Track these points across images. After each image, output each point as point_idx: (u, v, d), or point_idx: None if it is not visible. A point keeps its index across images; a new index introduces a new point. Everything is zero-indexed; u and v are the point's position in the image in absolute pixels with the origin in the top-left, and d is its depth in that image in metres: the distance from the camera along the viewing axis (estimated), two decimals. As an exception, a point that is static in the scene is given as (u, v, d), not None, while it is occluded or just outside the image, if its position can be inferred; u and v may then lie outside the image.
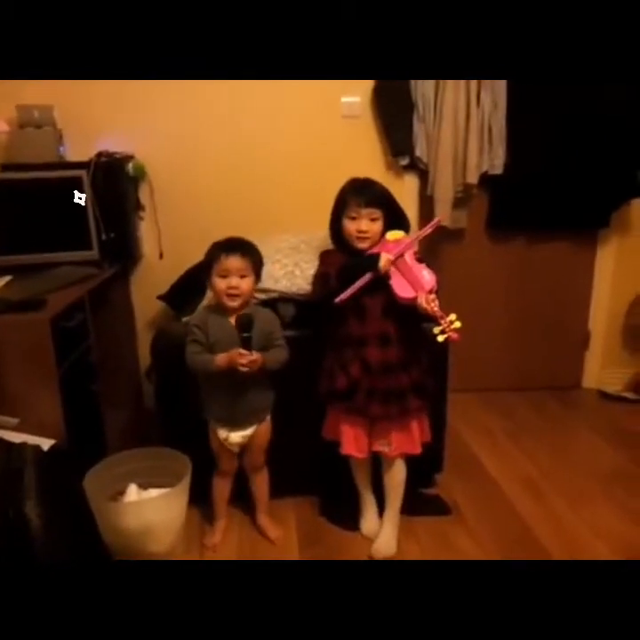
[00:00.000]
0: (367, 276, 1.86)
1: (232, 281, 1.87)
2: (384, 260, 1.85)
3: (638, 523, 2.20)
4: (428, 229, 1.95)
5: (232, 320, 1.90)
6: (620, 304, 3.20)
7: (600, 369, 3.33)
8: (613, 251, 3.15)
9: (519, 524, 2.20)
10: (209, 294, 2.11)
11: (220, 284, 1.88)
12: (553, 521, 2.22)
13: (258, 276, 1.95)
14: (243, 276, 1.89)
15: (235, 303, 1.90)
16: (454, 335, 1.69)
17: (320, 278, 2.03)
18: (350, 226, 1.94)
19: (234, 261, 1.87)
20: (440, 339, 1.70)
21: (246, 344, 1.82)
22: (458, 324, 1.69)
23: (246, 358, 1.81)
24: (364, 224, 1.92)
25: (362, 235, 1.93)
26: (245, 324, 1.83)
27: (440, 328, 1.70)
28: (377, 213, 1.93)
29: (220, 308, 1.93)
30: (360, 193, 1.93)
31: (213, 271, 1.89)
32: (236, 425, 1.97)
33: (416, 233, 1.97)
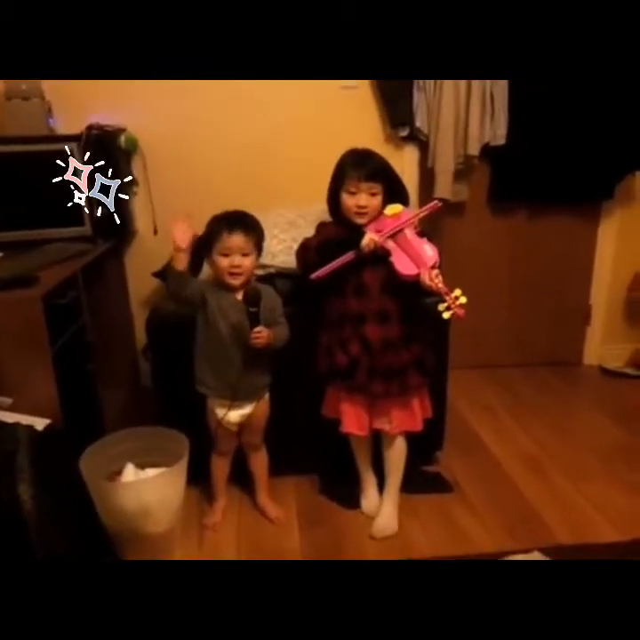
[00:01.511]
0: (349, 255, 1.82)
1: (234, 260, 1.82)
2: (367, 238, 1.80)
3: (639, 497, 2.19)
4: (424, 211, 1.88)
5: (237, 295, 1.86)
6: (622, 278, 3.17)
7: (601, 344, 3.31)
8: (616, 223, 3.10)
9: (521, 502, 2.19)
10: (206, 269, 2.06)
11: (222, 262, 1.83)
12: (555, 498, 2.21)
13: (259, 252, 1.90)
14: (245, 255, 1.83)
15: (237, 282, 1.85)
16: (460, 311, 1.64)
17: (302, 249, 1.97)
18: (349, 201, 1.88)
19: (236, 240, 1.81)
20: (446, 315, 1.64)
21: (254, 318, 1.78)
22: (463, 300, 1.64)
23: (261, 335, 1.79)
24: (364, 199, 1.86)
25: (361, 210, 1.87)
26: (253, 298, 1.79)
27: (445, 305, 1.65)
28: (377, 188, 1.87)
29: (220, 284, 1.88)
30: (360, 166, 1.86)
31: (214, 249, 1.83)
32: (234, 400, 1.92)
33: (413, 212, 1.90)
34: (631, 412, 2.82)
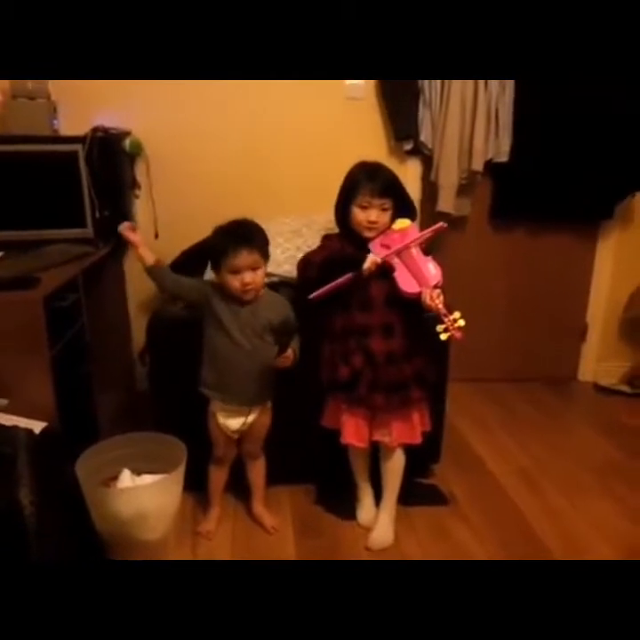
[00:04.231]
0: (347, 276, 1.81)
1: (246, 277, 1.79)
2: (369, 261, 1.80)
3: (632, 516, 2.20)
4: (428, 233, 1.85)
5: (246, 307, 1.85)
6: (619, 297, 3.18)
7: (596, 362, 3.32)
8: (614, 243, 3.13)
9: (516, 516, 2.19)
10: (211, 275, 2.04)
11: (234, 281, 1.80)
12: (549, 513, 2.21)
13: (267, 259, 1.87)
14: (255, 269, 1.80)
15: (250, 296, 1.84)
16: (458, 334, 1.62)
17: (303, 264, 1.96)
18: (360, 215, 1.88)
19: (244, 258, 1.77)
20: (443, 337, 1.63)
21: (285, 345, 1.78)
22: (462, 323, 1.62)
23: (288, 358, 1.80)
24: (375, 214, 1.86)
25: (372, 225, 1.87)
26: (291, 328, 1.81)
27: (443, 326, 1.63)
28: (388, 203, 1.87)
29: (229, 294, 1.86)
30: (372, 180, 1.86)
31: (222, 266, 1.80)
32: (235, 403, 1.92)
33: (419, 229, 1.89)
34: (624, 429, 2.84)
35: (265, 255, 1.84)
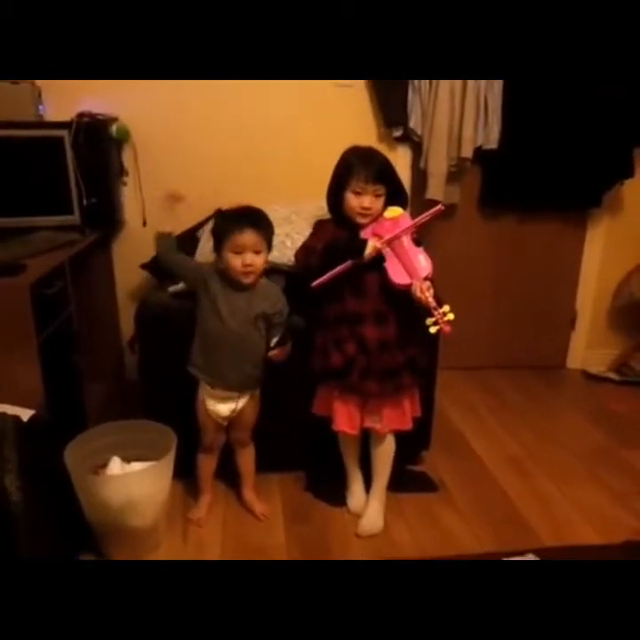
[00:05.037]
0: (348, 263, 1.80)
1: (247, 258, 1.78)
2: (370, 248, 1.79)
3: (619, 501, 2.22)
4: (426, 216, 1.83)
5: (242, 294, 1.85)
6: (608, 285, 3.19)
7: (585, 349, 3.34)
8: (603, 231, 3.13)
9: (505, 503, 2.20)
10: (207, 259, 2.04)
11: (235, 260, 1.79)
12: (538, 499, 2.22)
13: (269, 249, 1.88)
14: (257, 252, 1.80)
15: (248, 280, 1.83)
16: (447, 328, 1.62)
17: (304, 251, 1.96)
18: (353, 201, 1.86)
19: (249, 237, 1.78)
20: (432, 330, 1.62)
21: (282, 342, 1.84)
22: (451, 316, 1.61)
23: (282, 353, 1.86)
24: (368, 200, 1.85)
25: (365, 211, 1.86)
26: (293, 330, 1.86)
27: (433, 319, 1.63)
28: (381, 190, 1.85)
29: (227, 278, 1.85)
30: (366, 165, 1.84)
31: (225, 245, 1.79)
32: (221, 388, 1.91)
33: (416, 219, 1.86)
34: (612, 416, 2.86)
35: (268, 243, 1.84)
